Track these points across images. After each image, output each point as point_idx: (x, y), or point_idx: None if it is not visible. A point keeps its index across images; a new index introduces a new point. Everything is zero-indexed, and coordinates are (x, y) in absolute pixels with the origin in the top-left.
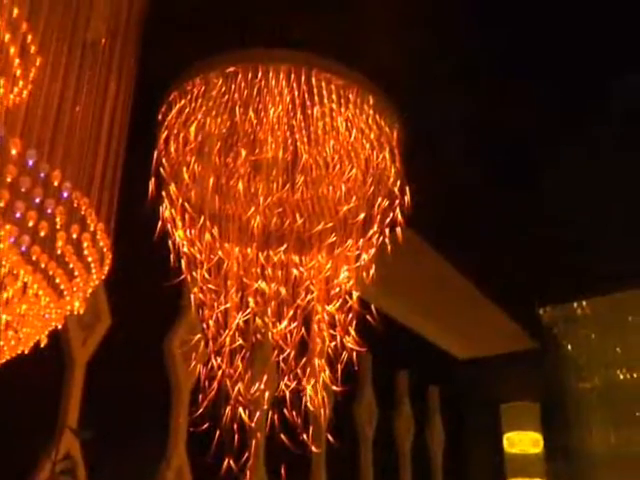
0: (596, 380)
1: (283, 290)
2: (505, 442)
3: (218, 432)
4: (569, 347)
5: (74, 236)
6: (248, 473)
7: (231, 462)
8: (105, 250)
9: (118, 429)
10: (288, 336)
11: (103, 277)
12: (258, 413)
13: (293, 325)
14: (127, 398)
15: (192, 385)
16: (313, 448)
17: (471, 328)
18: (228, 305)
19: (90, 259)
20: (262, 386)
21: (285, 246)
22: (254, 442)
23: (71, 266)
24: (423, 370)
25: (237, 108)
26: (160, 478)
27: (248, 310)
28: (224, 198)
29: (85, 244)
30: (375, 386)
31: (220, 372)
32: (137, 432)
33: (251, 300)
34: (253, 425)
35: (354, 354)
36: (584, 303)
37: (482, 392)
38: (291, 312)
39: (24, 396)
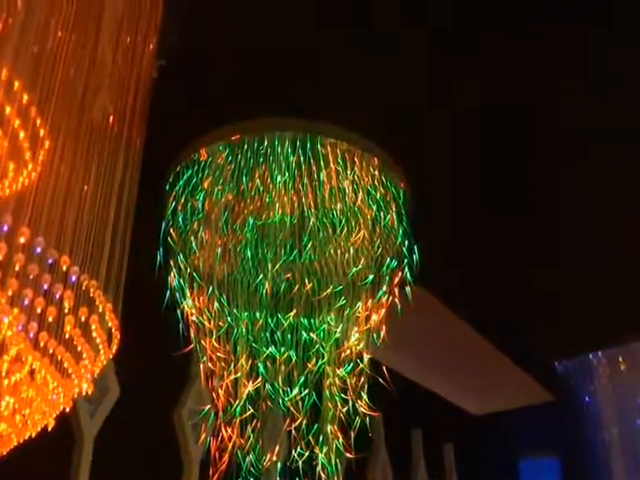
0: (616, 431)
1: (293, 354)
2: None
3: None
4: (587, 398)
5: (82, 319)
6: None
7: None
8: (114, 330)
9: None
10: (299, 403)
11: (111, 356)
12: None
13: (304, 392)
14: (136, 472)
15: (202, 457)
16: None
17: (485, 383)
18: (239, 374)
19: (98, 340)
20: (274, 457)
21: (295, 311)
22: None
23: (79, 349)
24: (438, 428)
25: (243, 176)
26: None
27: (259, 379)
28: (232, 265)
29: (93, 326)
30: (389, 446)
31: (231, 443)
32: None
33: (261, 366)
34: None
35: (366, 418)
36: (599, 354)
37: (499, 448)
38: (302, 378)
39: (33, 473)
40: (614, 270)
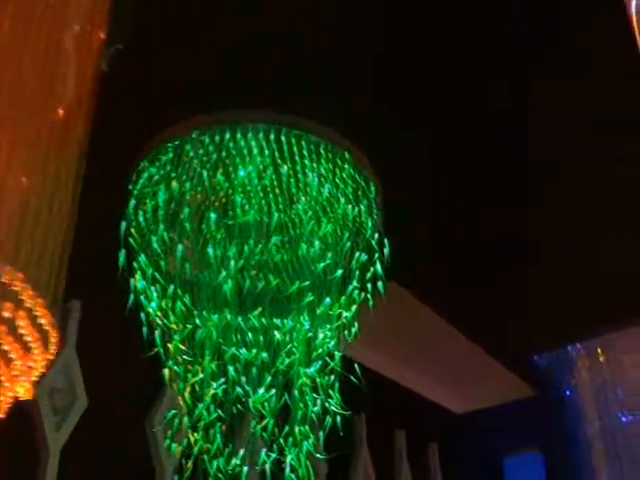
0: (597, 424)
1: (264, 354)
2: None
3: None
4: (567, 392)
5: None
6: None
7: None
8: (48, 329)
9: None
10: (267, 404)
11: (49, 358)
12: None
13: (271, 393)
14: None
15: (175, 465)
16: None
17: (466, 380)
18: (201, 376)
19: (30, 339)
20: (242, 460)
21: (260, 309)
22: None
23: (6, 348)
24: (421, 428)
25: (206, 172)
26: None
27: (222, 380)
28: (196, 265)
29: (21, 322)
30: (372, 448)
31: (196, 448)
32: None
33: (230, 368)
34: None
35: (338, 418)
36: (578, 346)
37: (482, 446)
38: (268, 378)
39: None
40: (589, 262)
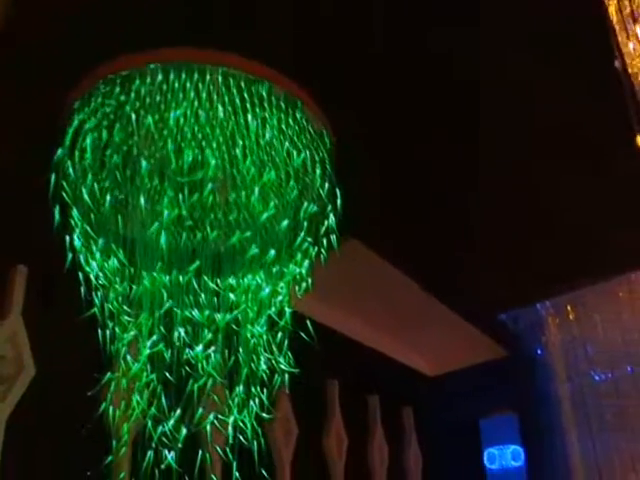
0: (568, 383)
1: (216, 315)
2: (485, 458)
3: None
4: (538, 351)
5: None
6: None
7: None
8: None
9: None
10: (215, 363)
11: None
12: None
13: (213, 349)
14: (56, 455)
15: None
16: None
17: (437, 342)
18: (134, 334)
19: None
20: (189, 422)
21: (197, 263)
22: None
23: None
24: (394, 393)
25: (136, 114)
26: None
27: (154, 337)
28: (127, 217)
29: None
30: (345, 414)
31: (136, 412)
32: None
33: (181, 330)
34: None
35: (285, 376)
36: (547, 304)
37: (457, 408)
38: (208, 335)
39: None
40: (556, 216)
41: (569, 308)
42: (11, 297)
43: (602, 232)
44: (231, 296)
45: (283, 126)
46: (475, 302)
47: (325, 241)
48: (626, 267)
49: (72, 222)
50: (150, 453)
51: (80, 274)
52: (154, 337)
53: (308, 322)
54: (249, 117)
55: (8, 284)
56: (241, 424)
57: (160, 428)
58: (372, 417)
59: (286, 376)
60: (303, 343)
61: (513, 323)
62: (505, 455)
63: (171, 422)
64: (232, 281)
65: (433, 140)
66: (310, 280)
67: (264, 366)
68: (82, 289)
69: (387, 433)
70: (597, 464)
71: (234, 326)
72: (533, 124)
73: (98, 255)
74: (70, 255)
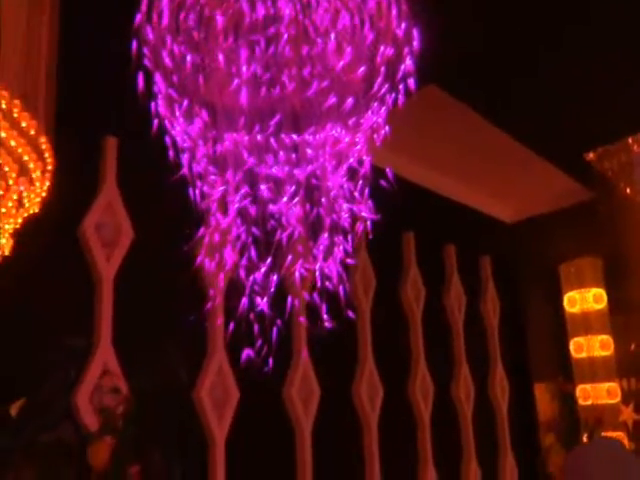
0: None
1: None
2: (565, 302)
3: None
4: (627, 190)
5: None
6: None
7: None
8: (44, 148)
9: (151, 338)
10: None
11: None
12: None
13: (295, 201)
14: (157, 306)
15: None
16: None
17: (518, 188)
18: (222, 190)
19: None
20: (278, 272)
21: (277, 117)
22: (300, 333)
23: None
24: (472, 241)
25: None
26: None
27: (242, 193)
28: (207, 78)
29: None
30: (422, 265)
31: (233, 264)
32: (171, 336)
33: (263, 186)
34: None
35: (368, 224)
36: (634, 139)
37: (537, 255)
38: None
39: (56, 317)
40: None
41: None
42: (104, 168)
43: None
44: (308, 151)
45: None
46: (559, 140)
47: (403, 86)
48: None
49: (155, 88)
50: (243, 300)
51: (167, 139)
52: (240, 193)
53: (386, 173)
54: None
55: (101, 156)
56: (326, 271)
57: (251, 278)
58: (449, 267)
59: (368, 223)
60: (380, 195)
61: (600, 161)
62: (587, 298)
63: (262, 271)
64: (309, 137)
65: None
66: (387, 128)
67: (345, 215)
68: (170, 153)
69: (465, 283)
70: None
71: (314, 180)
72: None
73: (182, 119)
74: (156, 121)
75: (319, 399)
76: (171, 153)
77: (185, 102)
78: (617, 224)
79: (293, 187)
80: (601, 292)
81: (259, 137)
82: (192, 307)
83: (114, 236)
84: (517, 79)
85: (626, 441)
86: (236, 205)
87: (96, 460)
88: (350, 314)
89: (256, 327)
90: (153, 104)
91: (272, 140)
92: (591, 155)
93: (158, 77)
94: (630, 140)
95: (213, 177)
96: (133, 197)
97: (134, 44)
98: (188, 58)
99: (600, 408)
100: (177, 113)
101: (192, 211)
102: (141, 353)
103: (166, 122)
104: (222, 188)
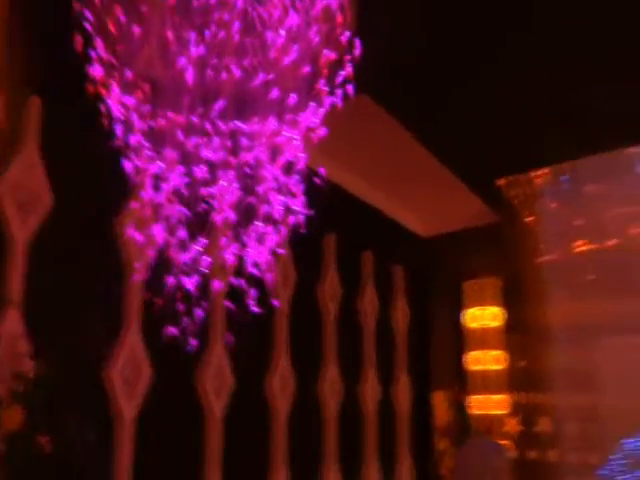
0: (555, 253)
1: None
2: (467, 317)
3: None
4: (530, 218)
5: None
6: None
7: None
8: None
9: (66, 306)
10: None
11: None
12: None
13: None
14: (74, 274)
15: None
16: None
17: (434, 204)
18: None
19: None
20: (207, 253)
21: (221, 101)
22: (217, 310)
23: None
24: (388, 250)
25: None
26: (115, 351)
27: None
28: (154, 53)
29: None
30: (341, 266)
31: (163, 241)
32: (87, 308)
33: (197, 169)
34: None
35: (300, 217)
36: (541, 172)
37: (446, 270)
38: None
39: None
40: (558, 89)
41: (564, 178)
42: (27, 128)
43: (602, 107)
44: (245, 141)
45: None
46: (475, 163)
47: (341, 92)
48: (624, 141)
49: (94, 54)
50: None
51: (102, 107)
52: (175, 172)
53: (318, 172)
54: None
55: (23, 116)
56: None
57: (180, 256)
58: (365, 272)
59: (300, 217)
60: (309, 194)
61: (508, 189)
62: (485, 315)
63: (192, 250)
64: (246, 127)
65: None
66: (324, 130)
67: (278, 207)
68: (103, 121)
69: (378, 290)
70: (574, 328)
71: (248, 169)
72: None
73: (119, 89)
74: (90, 87)
75: (232, 387)
76: (105, 122)
77: (127, 72)
78: (518, 249)
79: (227, 172)
80: (499, 311)
81: (194, 119)
82: (112, 280)
83: (31, 200)
84: (449, 96)
85: (512, 449)
86: (171, 183)
87: (9, 424)
88: (275, 302)
89: (180, 306)
90: (90, 69)
91: (207, 124)
92: (502, 181)
93: (99, 42)
94: (533, 174)
95: (148, 152)
96: (56, 162)
97: (76, 4)
98: (136, 29)
99: (490, 418)
100: (115, 82)
101: (121, 183)
102: (53, 322)
103: (102, 90)
104: (160, 164)
